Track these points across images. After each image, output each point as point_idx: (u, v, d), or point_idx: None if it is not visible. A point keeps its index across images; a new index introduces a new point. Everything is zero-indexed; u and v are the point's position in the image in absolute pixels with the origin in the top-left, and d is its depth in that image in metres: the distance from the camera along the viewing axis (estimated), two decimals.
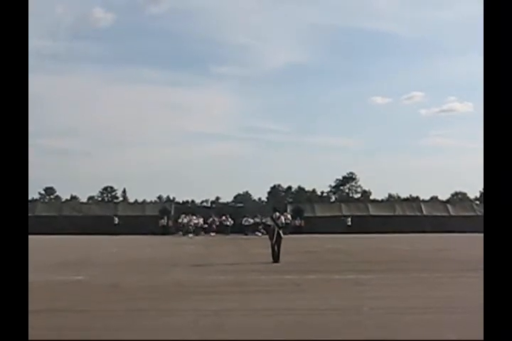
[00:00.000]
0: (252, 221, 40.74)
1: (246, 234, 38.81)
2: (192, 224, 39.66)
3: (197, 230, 39.50)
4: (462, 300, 8.60)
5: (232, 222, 40.42)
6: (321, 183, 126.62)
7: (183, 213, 41.41)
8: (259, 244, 22.60)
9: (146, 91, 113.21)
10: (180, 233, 39.45)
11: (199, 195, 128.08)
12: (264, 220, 33.19)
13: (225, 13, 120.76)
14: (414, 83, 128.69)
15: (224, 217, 40.51)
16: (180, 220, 40.58)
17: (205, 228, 40.49)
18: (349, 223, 41.78)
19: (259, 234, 36.78)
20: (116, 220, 41.65)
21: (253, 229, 39.66)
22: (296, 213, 42.37)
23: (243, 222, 40.80)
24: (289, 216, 39.85)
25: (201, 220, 40.46)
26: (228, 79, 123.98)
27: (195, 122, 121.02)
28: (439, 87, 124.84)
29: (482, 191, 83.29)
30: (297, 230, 38.70)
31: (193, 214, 40.51)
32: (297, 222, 41.22)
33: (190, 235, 37.95)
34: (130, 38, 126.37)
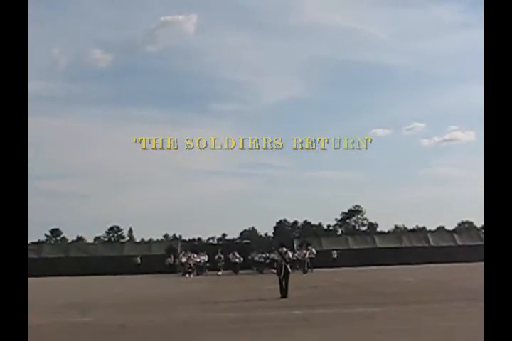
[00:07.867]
0: (264, 256, 37.74)
1: (261, 272, 35.99)
2: (191, 262, 36.16)
3: (199, 269, 37.00)
4: (470, 331, 8.54)
5: (241, 259, 38.35)
6: (327, 217, 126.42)
7: (183, 251, 39.45)
8: (268, 280, 22.45)
9: (145, 130, 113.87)
10: (180, 273, 36.70)
11: (205, 232, 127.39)
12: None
13: (222, 49, 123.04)
14: (414, 114, 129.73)
15: (232, 254, 38.25)
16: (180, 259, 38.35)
17: (210, 266, 38.57)
18: (335, 256, 41.72)
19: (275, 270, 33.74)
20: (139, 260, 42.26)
21: (267, 265, 37.61)
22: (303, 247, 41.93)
23: (257, 258, 38.40)
24: (313, 250, 37.20)
25: (205, 258, 38.22)
26: (228, 116, 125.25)
27: (198, 159, 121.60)
28: (439, 116, 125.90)
29: None
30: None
31: (193, 252, 37.75)
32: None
33: (188, 275, 34.82)
34: (128, 77, 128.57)
